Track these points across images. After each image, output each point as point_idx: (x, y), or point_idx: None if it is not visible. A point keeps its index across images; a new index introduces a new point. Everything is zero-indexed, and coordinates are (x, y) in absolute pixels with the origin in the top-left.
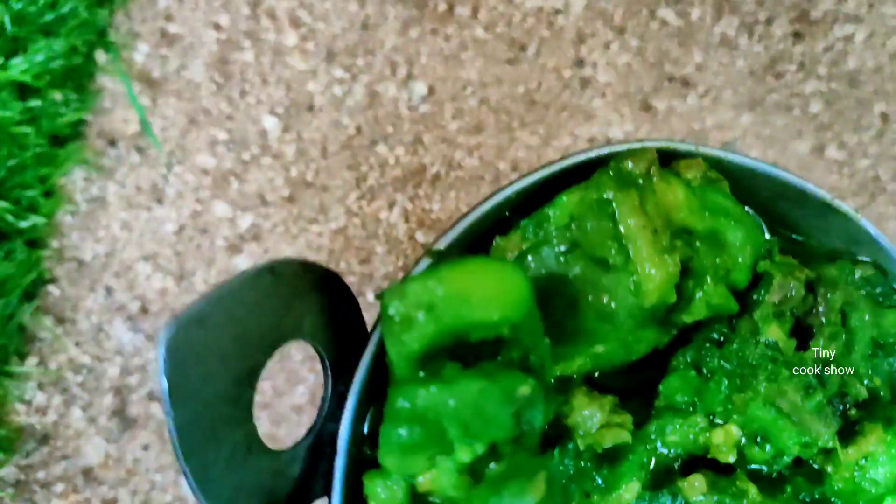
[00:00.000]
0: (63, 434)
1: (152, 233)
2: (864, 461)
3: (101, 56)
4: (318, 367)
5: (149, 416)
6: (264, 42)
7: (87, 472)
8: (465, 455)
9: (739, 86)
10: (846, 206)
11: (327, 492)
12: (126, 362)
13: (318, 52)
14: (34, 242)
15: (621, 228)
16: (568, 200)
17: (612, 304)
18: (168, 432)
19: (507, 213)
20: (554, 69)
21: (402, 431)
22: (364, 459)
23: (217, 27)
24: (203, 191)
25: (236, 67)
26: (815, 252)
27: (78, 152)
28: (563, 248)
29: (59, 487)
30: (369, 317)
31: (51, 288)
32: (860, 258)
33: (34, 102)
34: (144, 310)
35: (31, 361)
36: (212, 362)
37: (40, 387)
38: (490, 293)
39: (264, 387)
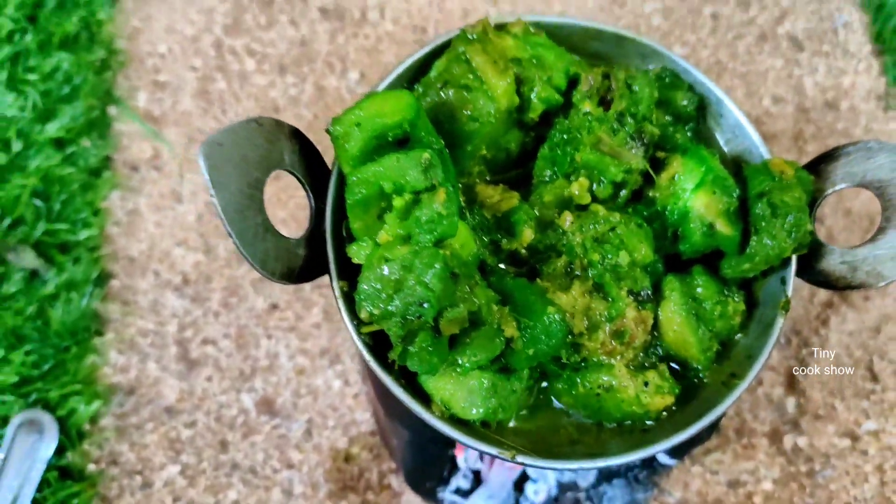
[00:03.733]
0: (144, 383)
1: (179, 225)
2: (675, 178)
3: (112, 109)
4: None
5: (206, 356)
6: (231, 71)
7: (169, 409)
8: (398, 202)
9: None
10: (632, 34)
11: (326, 268)
12: (181, 321)
13: (272, 69)
14: (93, 250)
15: (473, 65)
16: (439, 63)
17: (477, 110)
18: (216, 213)
19: (405, 85)
20: None
21: (356, 190)
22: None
23: (194, 69)
24: None
25: (215, 94)
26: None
27: (111, 180)
28: (440, 86)
29: (150, 425)
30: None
31: (113, 282)
32: (651, 66)
33: (71, 149)
34: (186, 281)
35: (110, 336)
36: (230, 169)
37: (120, 352)
38: (391, 107)
39: (279, 198)
